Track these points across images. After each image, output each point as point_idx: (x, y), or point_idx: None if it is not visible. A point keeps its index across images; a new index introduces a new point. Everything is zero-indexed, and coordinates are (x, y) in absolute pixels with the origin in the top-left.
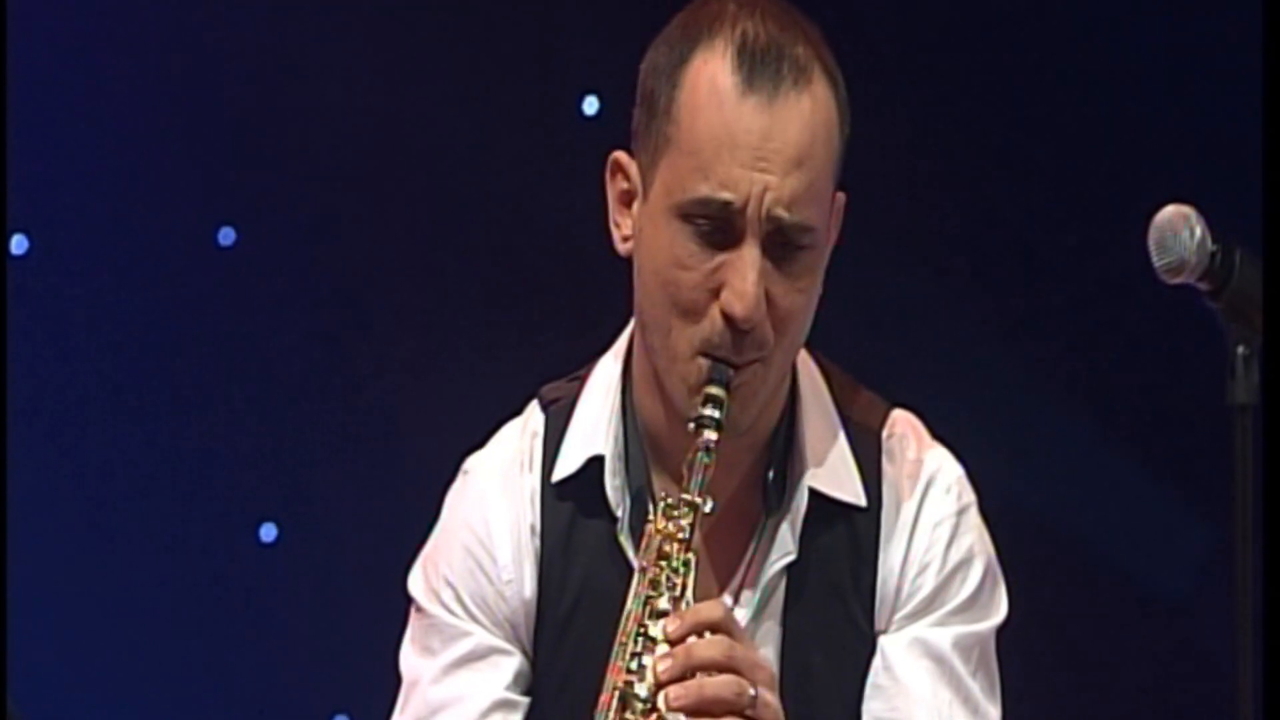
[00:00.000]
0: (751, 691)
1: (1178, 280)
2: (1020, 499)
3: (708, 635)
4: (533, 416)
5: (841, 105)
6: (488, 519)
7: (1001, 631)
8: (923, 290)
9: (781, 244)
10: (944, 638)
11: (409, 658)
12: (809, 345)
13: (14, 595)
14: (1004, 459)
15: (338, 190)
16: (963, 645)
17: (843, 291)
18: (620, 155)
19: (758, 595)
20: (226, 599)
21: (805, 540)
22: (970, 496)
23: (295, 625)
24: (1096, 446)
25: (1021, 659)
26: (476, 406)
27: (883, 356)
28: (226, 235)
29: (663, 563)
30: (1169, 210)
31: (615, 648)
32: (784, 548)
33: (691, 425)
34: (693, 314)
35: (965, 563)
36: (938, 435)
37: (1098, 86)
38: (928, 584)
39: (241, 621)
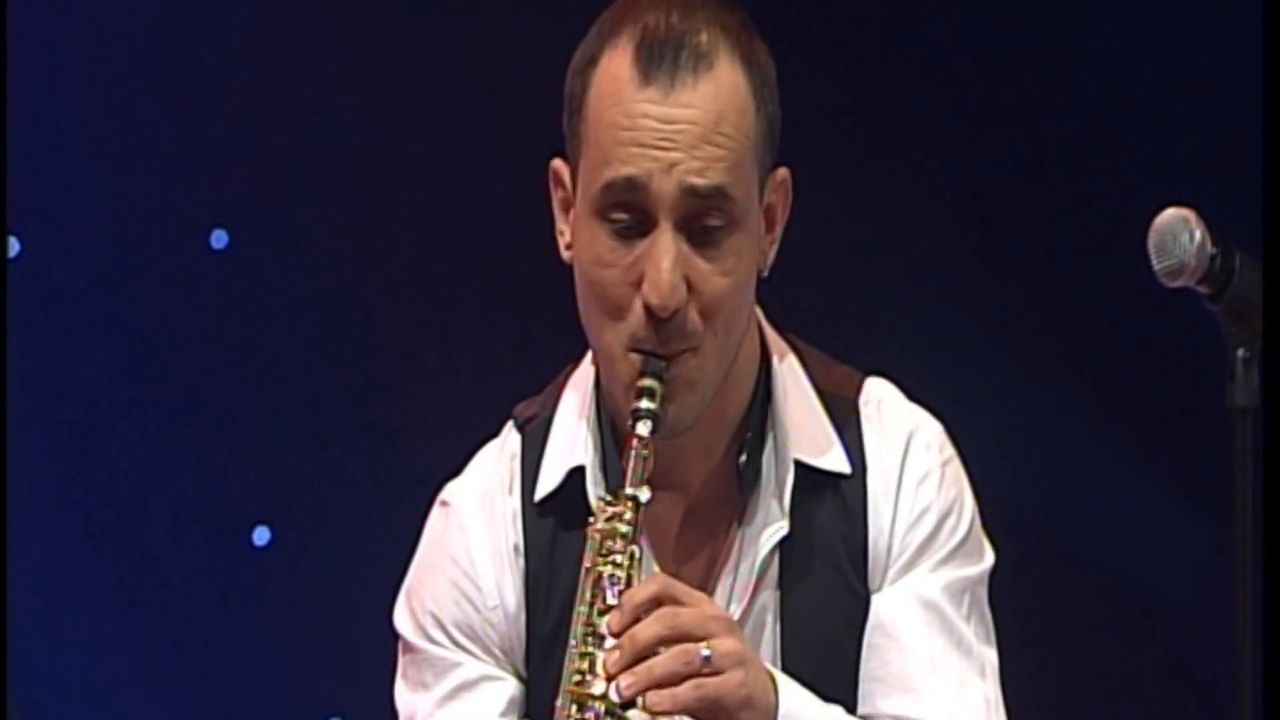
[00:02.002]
0: (705, 652)
1: (1178, 283)
2: (1021, 501)
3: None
4: (509, 438)
5: (760, 87)
6: (470, 548)
7: (992, 578)
8: (922, 293)
9: (700, 223)
10: (933, 585)
11: (403, 695)
12: (780, 326)
13: (9, 597)
14: (1005, 461)
15: (330, 193)
16: (952, 590)
17: (843, 295)
18: (557, 163)
19: (753, 573)
20: (220, 602)
21: (795, 513)
22: (950, 450)
23: (289, 629)
24: (1097, 449)
25: (1022, 660)
26: (471, 409)
27: (882, 359)
28: (219, 238)
29: (605, 559)
30: (1169, 213)
31: (568, 652)
32: (775, 523)
33: (629, 421)
34: (619, 311)
35: (950, 512)
36: (914, 397)
37: (1098, 89)
38: (916, 538)
39: (235, 625)
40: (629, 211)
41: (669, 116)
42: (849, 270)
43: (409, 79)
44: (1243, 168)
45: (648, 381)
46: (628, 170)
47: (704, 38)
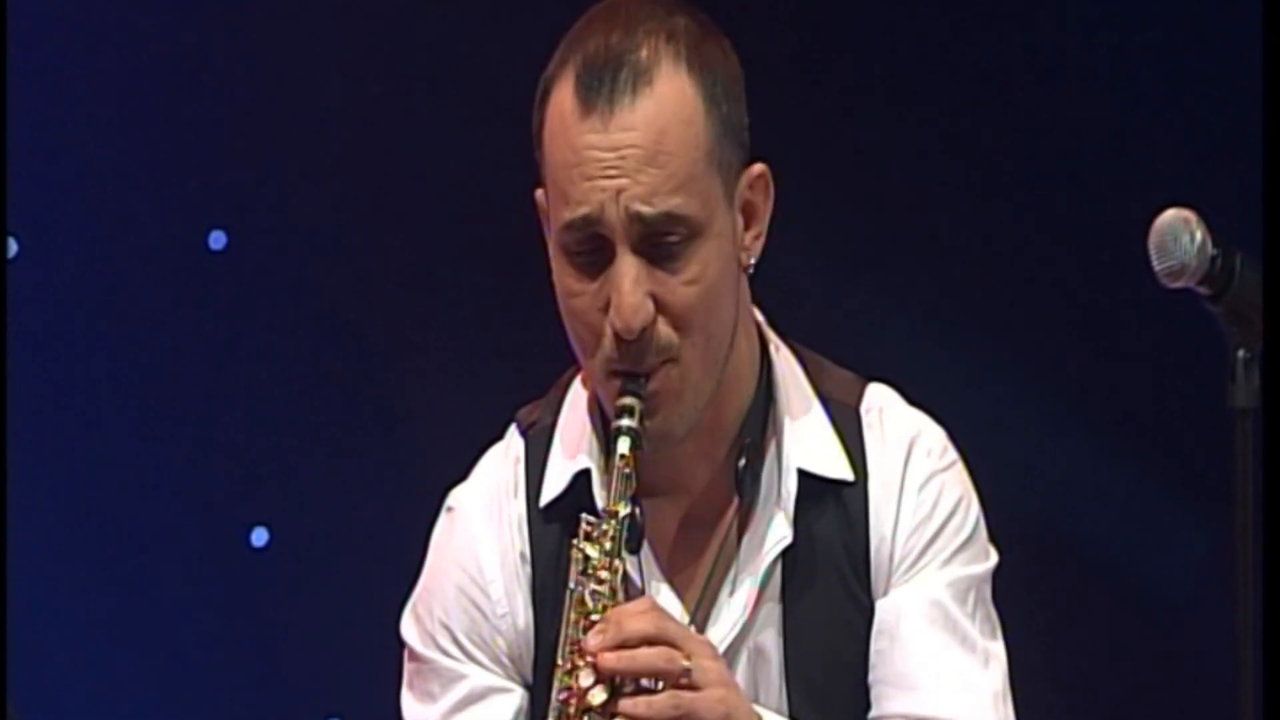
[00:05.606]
0: (685, 662)
1: (1178, 284)
2: (1021, 503)
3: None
4: (513, 442)
5: (711, 88)
6: (478, 554)
7: (993, 579)
8: (922, 294)
9: (655, 243)
10: (937, 584)
11: (409, 706)
12: (782, 333)
13: (9, 596)
14: (1005, 463)
15: (329, 194)
16: (957, 588)
17: (843, 296)
18: (540, 193)
19: (756, 582)
20: (218, 603)
21: (798, 522)
22: (953, 455)
23: (287, 630)
24: (1097, 450)
25: (1022, 661)
26: (470, 410)
27: (882, 361)
28: (218, 239)
29: (587, 577)
30: (1170, 214)
31: (556, 671)
32: (778, 532)
33: (613, 439)
34: (595, 337)
35: (954, 513)
36: (915, 401)
37: (1098, 89)
38: (919, 542)
39: (234, 626)
40: (589, 245)
41: (612, 144)
42: (847, 273)
43: (408, 80)
44: (1243, 168)
45: (627, 400)
46: (583, 210)
47: (643, 54)
